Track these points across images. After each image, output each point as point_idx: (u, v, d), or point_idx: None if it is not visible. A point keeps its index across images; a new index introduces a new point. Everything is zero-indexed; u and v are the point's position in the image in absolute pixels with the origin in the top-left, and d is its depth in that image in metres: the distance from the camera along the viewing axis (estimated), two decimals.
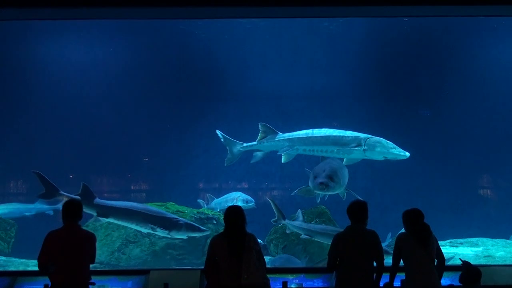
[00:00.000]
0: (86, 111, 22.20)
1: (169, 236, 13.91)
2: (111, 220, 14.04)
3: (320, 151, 16.32)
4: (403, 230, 8.35)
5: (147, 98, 22.54)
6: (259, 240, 8.29)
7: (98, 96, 22.23)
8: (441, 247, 8.33)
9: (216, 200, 18.32)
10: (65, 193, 13.68)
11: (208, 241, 8.04)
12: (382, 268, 7.91)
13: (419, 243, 7.90)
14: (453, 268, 10.36)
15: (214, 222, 16.21)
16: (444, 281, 8.44)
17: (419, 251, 7.88)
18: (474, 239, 18.91)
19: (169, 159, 22.90)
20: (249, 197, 17.95)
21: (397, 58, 22.58)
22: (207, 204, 18.15)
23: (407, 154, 15.66)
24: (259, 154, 17.22)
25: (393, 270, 8.10)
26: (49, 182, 13.65)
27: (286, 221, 14.66)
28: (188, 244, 15.54)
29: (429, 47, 22.69)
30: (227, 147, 17.03)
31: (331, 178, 13.99)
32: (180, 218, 14.01)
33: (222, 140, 17.12)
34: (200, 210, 17.36)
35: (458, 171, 21.69)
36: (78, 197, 13.29)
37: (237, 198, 17.73)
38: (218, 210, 17.43)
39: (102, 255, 16.24)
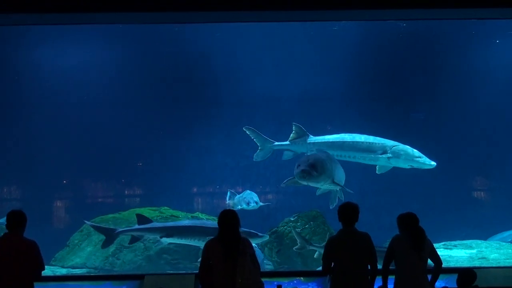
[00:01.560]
0: (78, 115, 22.10)
1: None
2: (174, 240, 14.37)
3: (348, 157, 16.36)
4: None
5: (141, 103, 22.47)
6: (253, 244, 8.29)
7: (91, 101, 22.15)
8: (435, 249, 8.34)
9: (237, 196, 18.22)
10: (122, 229, 14.42)
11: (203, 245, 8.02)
12: (376, 271, 7.92)
13: (413, 247, 7.90)
14: (447, 270, 10.39)
15: None
16: (438, 284, 8.44)
17: (413, 255, 7.88)
18: (468, 241, 18.91)
19: (163, 164, 22.86)
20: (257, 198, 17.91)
21: (390, 61, 22.60)
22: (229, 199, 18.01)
23: (433, 163, 15.70)
24: (290, 153, 17.24)
25: (385, 271, 8.09)
26: (103, 227, 14.54)
27: (313, 247, 14.53)
28: (182, 249, 15.55)
29: (422, 50, 22.73)
30: (258, 144, 16.93)
31: (314, 167, 13.43)
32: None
33: (252, 136, 16.88)
34: (194, 214, 17.35)
35: (452, 173, 21.69)
36: (136, 227, 14.18)
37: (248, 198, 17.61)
38: (239, 207, 17.31)
39: (97, 260, 16.25)
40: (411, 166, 16.06)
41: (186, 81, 22.83)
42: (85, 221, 15.97)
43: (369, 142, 16.05)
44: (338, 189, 14.99)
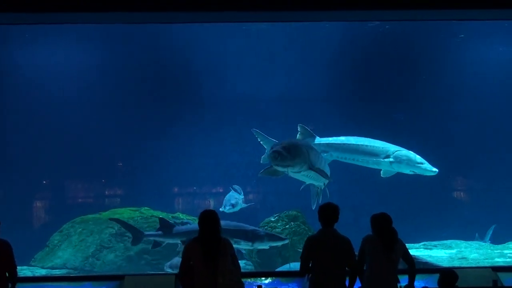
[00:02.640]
0: (58, 116, 22.00)
1: (252, 247, 14.33)
2: None
3: (352, 159, 16.36)
4: None
5: (122, 103, 22.41)
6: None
7: (71, 101, 22.04)
8: (415, 249, 8.37)
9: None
10: (148, 233, 14.40)
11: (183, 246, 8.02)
12: (356, 273, 7.93)
13: (384, 248, 7.90)
14: (427, 270, 10.45)
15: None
16: (418, 283, 8.46)
17: (383, 256, 7.88)
18: (448, 242, 19.05)
19: (143, 164, 22.82)
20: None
21: (372, 61, 22.71)
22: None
23: (436, 170, 15.71)
24: None
25: (360, 271, 8.08)
26: (133, 227, 14.53)
27: None
28: (163, 249, 15.49)
29: (404, 50, 22.86)
30: (265, 146, 16.79)
31: (287, 149, 12.70)
32: (260, 229, 14.57)
33: (259, 139, 16.29)
34: (175, 214, 17.31)
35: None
36: (159, 232, 14.12)
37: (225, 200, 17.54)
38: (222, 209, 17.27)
39: (76, 260, 16.19)
40: (413, 172, 16.07)
41: (166, 82, 22.80)
42: (111, 219, 15.99)
43: (373, 146, 16.04)
44: (321, 185, 14.73)
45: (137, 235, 14.17)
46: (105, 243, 15.94)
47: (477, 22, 17.67)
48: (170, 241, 14.28)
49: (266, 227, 15.97)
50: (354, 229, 9.07)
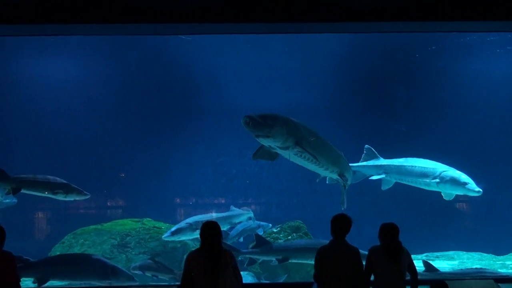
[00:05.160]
0: (60, 126, 22.02)
1: None
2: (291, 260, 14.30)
3: (408, 181, 16.35)
4: None
5: (123, 114, 22.43)
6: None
7: (73, 112, 22.08)
8: (417, 260, 8.36)
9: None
10: (245, 251, 14.32)
11: (185, 257, 8.00)
12: (363, 284, 7.94)
13: (389, 259, 7.92)
14: (430, 282, 10.41)
15: None
16: None
17: (389, 265, 7.90)
18: (450, 253, 19.04)
19: (145, 175, 22.81)
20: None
21: (371, 73, 22.72)
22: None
23: (479, 190, 15.39)
24: (360, 175, 17.08)
25: (366, 282, 8.10)
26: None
27: None
28: (164, 260, 15.47)
29: (404, 63, 22.90)
30: None
31: (263, 117, 11.85)
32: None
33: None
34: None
35: None
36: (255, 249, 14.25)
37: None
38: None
39: None
40: (459, 193, 15.90)
41: (167, 93, 22.82)
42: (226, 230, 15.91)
43: (422, 167, 15.95)
44: (335, 175, 14.15)
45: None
46: (107, 254, 15.89)
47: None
48: (267, 258, 14.31)
49: (268, 238, 15.94)
50: (357, 240, 9.06)
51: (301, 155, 12.79)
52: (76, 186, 14.64)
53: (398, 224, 8.10)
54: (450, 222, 22.32)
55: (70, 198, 14.61)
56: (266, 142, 12.35)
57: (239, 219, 17.06)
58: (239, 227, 17.16)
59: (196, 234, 14.64)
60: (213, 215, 17.15)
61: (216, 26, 10.76)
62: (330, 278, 7.85)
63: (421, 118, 22.89)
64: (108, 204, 23.80)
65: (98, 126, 22.18)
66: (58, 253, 16.99)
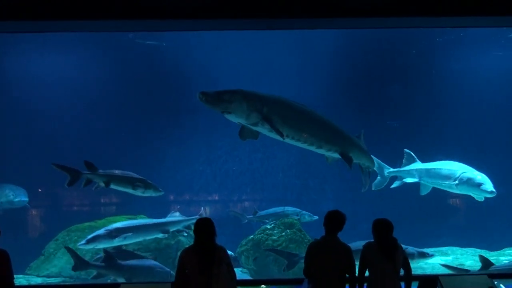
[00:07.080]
0: (53, 124, 21.95)
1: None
2: None
3: (437, 184, 16.35)
4: None
5: (116, 111, 22.37)
6: (229, 252, 8.27)
7: (66, 109, 22.02)
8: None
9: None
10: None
11: (179, 254, 7.98)
12: (354, 280, 7.93)
13: (383, 255, 7.89)
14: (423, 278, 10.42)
15: (185, 234, 16.15)
16: None
17: (384, 262, 7.87)
18: (444, 248, 19.07)
19: (138, 171, 22.74)
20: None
21: (366, 69, 22.73)
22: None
23: (492, 191, 15.35)
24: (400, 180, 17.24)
25: (360, 279, 8.09)
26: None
27: None
28: (158, 257, 15.45)
29: (398, 58, 22.90)
30: (377, 171, 16.54)
31: (221, 92, 11.70)
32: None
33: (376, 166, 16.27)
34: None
35: None
36: None
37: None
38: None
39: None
40: (474, 193, 15.79)
41: (160, 89, 22.76)
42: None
43: (447, 169, 15.97)
44: (335, 155, 13.69)
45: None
46: (101, 251, 15.87)
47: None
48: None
49: (262, 234, 15.95)
50: (351, 236, 9.06)
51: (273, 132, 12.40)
52: (152, 182, 14.89)
53: (392, 220, 8.05)
54: (444, 218, 22.38)
55: (147, 194, 14.78)
56: (231, 118, 12.24)
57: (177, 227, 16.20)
58: (270, 210, 17.18)
59: (116, 242, 14.42)
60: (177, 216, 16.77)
61: (212, 23, 10.73)
62: (319, 273, 7.84)
63: (415, 115, 22.90)
64: (102, 201, 23.74)
65: (92, 123, 22.11)
66: (52, 250, 16.96)
